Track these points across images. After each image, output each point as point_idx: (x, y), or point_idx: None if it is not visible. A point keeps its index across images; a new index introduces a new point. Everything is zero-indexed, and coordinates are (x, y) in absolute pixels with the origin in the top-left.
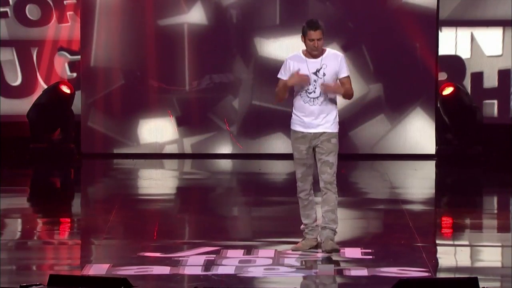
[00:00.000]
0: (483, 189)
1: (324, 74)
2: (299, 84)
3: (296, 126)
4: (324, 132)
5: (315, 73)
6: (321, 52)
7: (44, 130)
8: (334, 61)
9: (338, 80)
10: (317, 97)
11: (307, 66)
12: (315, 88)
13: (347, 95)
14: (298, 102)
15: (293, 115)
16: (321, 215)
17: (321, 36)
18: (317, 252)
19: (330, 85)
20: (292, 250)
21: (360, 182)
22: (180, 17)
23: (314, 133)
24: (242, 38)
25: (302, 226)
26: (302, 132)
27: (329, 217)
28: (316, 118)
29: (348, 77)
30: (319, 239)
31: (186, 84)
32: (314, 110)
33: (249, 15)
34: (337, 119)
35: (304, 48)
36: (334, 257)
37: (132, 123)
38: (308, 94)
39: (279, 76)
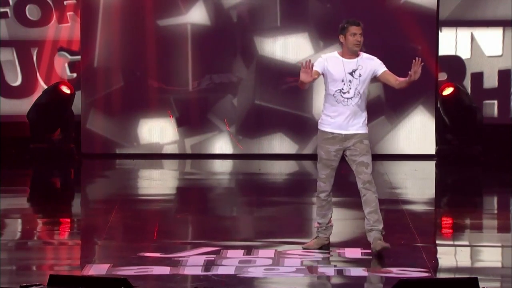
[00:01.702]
0: (483, 189)
1: (360, 75)
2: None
3: (325, 127)
4: (355, 134)
5: (351, 74)
6: (358, 53)
7: (44, 130)
8: (369, 62)
9: (378, 77)
10: (351, 98)
11: (343, 66)
12: (350, 88)
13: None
14: (331, 101)
15: (323, 115)
16: (365, 216)
17: (362, 32)
18: (317, 252)
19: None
20: (303, 248)
21: None
22: (181, 18)
23: (345, 135)
24: (243, 38)
25: (316, 225)
26: (332, 133)
27: (373, 218)
28: (347, 119)
29: (387, 70)
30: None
31: (189, 84)
32: (347, 111)
33: (250, 16)
34: (366, 121)
35: (338, 50)
36: (334, 257)
37: (132, 124)
38: (342, 94)
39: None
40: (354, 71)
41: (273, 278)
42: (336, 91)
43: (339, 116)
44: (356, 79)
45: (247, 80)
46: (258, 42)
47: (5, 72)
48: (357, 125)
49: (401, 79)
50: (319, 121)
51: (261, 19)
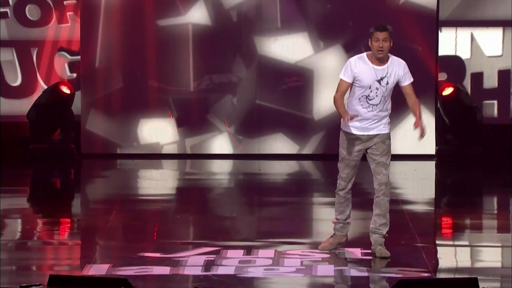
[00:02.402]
0: (483, 189)
1: (387, 83)
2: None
3: (348, 128)
4: (378, 134)
5: (379, 81)
6: (386, 58)
7: (44, 131)
8: (397, 69)
9: (401, 86)
10: (377, 104)
11: (375, 74)
12: (376, 95)
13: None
14: (356, 106)
15: None
16: (373, 217)
17: (388, 37)
18: (317, 252)
19: (423, 128)
20: (320, 249)
21: (361, 183)
22: (181, 18)
23: (368, 135)
24: (243, 38)
25: (333, 220)
26: (355, 135)
27: (380, 221)
28: (371, 122)
29: (411, 84)
30: (374, 239)
31: (190, 85)
32: (371, 116)
33: (250, 16)
34: (389, 120)
35: (366, 52)
36: (334, 257)
37: (132, 124)
38: (368, 100)
39: (341, 76)
40: (382, 78)
41: (273, 278)
42: (362, 96)
43: (363, 120)
44: (384, 87)
45: (247, 80)
46: (258, 42)
47: (5, 72)
48: (381, 126)
49: (417, 108)
50: (341, 120)
51: (261, 19)
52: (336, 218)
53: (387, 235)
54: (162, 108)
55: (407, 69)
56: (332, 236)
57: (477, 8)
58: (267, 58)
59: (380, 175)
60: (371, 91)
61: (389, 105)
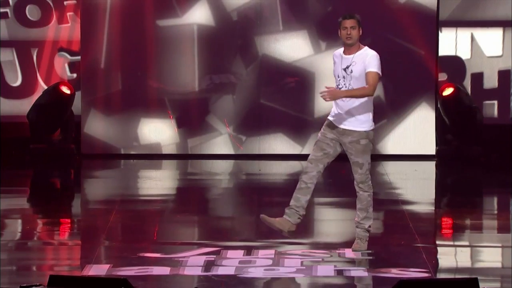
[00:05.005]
0: (483, 189)
1: (351, 71)
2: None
3: (329, 115)
4: (349, 130)
5: (345, 70)
6: (357, 48)
7: (44, 131)
8: (364, 58)
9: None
10: None
11: (341, 62)
12: (344, 84)
13: (359, 95)
14: None
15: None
16: (356, 212)
17: (355, 25)
18: (317, 253)
19: (329, 91)
20: (261, 218)
21: None
22: (183, 19)
23: (343, 129)
24: (245, 39)
25: (287, 208)
26: (330, 120)
27: (362, 215)
28: (340, 114)
29: (371, 72)
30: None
31: (194, 85)
32: (342, 106)
33: (251, 17)
34: (370, 118)
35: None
36: (334, 257)
37: (132, 124)
38: (338, 89)
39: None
40: (347, 67)
41: (273, 278)
42: (336, 86)
43: (335, 109)
44: (348, 75)
45: (248, 80)
46: (259, 43)
47: (5, 72)
48: (351, 123)
49: (356, 89)
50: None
51: (262, 20)
52: (289, 204)
53: (370, 228)
54: (162, 108)
55: (374, 59)
56: (281, 218)
57: (477, 8)
58: (269, 59)
59: (356, 174)
60: (339, 79)
61: (358, 102)
